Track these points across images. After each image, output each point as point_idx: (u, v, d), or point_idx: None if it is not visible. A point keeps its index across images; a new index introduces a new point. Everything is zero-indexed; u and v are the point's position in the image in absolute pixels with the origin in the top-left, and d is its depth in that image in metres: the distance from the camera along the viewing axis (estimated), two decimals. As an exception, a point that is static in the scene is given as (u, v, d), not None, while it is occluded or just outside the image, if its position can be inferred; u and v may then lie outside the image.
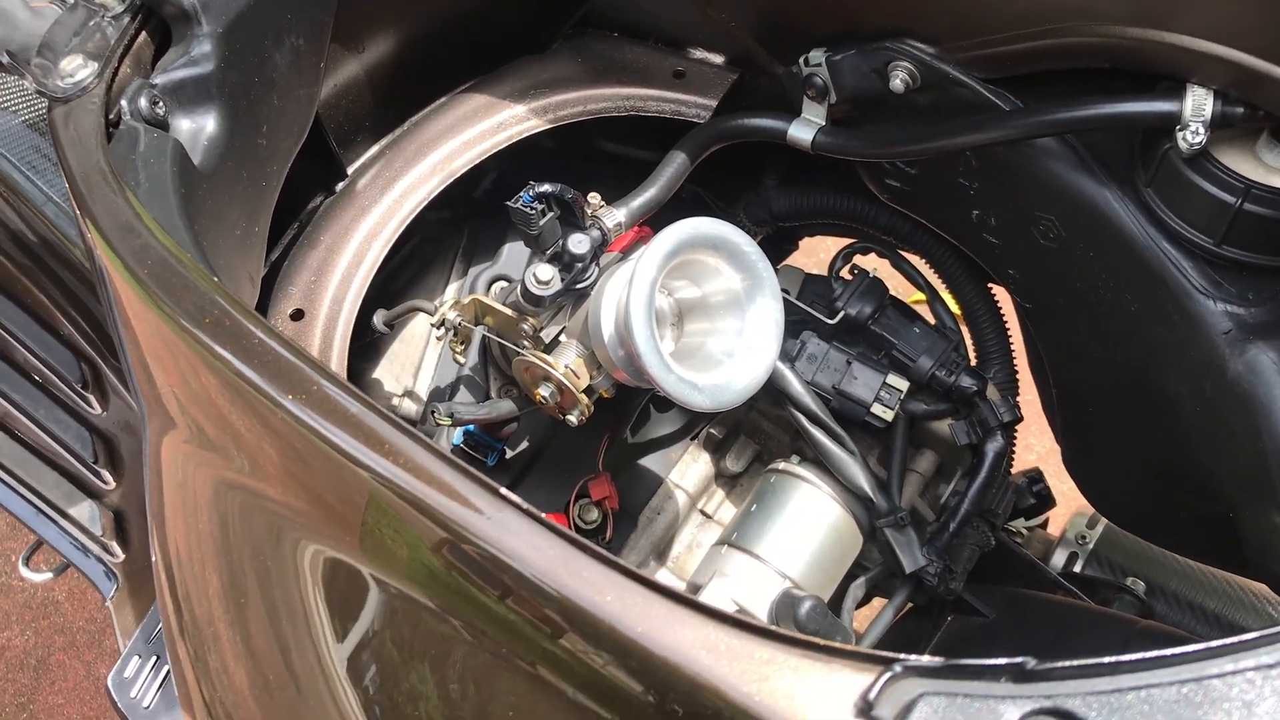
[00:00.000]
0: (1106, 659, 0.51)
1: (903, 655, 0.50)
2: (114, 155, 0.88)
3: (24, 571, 1.53)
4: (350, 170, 1.29)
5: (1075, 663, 0.51)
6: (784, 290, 1.27)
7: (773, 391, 1.18)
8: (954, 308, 1.34)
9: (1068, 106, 1.03)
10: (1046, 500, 1.53)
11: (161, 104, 0.96)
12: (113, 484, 1.52)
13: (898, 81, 1.13)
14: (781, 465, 1.21)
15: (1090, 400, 1.24)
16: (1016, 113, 1.07)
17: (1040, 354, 1.30)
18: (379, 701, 0.74)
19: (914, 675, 0.50)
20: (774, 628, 0.53)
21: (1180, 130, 0.97)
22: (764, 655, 0.52)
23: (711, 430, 1.32)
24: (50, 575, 1.54)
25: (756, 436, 1.34)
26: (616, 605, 0.56)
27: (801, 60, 1.20)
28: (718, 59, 1.36)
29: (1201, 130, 0.96)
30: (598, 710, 0.61)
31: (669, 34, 1.36)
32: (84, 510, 1.51)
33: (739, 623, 0.54)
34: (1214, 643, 0.51)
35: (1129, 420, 1.18)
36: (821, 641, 0.51)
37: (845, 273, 1.30)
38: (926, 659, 0.50)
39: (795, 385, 1.18)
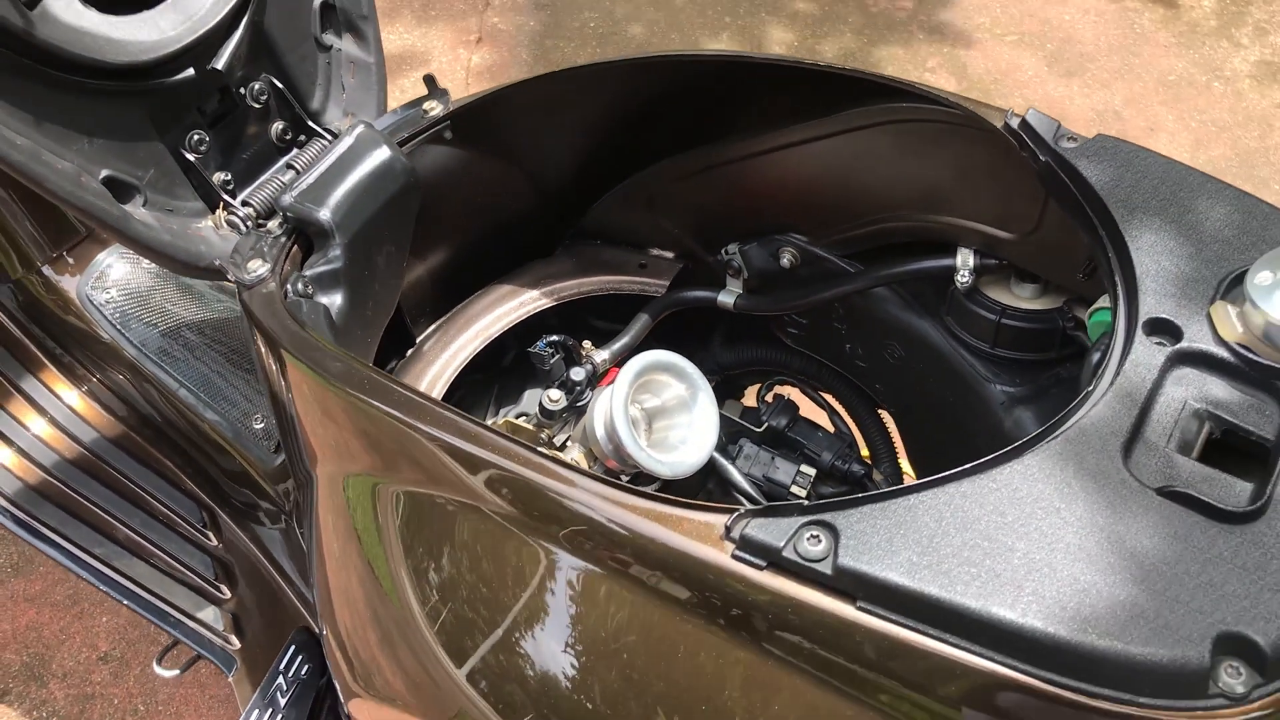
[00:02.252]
0: (858, 495, 0.83)
1: (745, 506, 0.94)
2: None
3: (157, 670, 1.84)
4: (418, 339, 1.61)
5: (839, 499, 0.83)
6: (728, 414, 1.64)
7: (721, 480, 1.52)
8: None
9: (888, 265, 1.47)
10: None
11: (310, 288, 1.30)
12: (229, 595, 1.88)
13: (785, 261, 1.58)
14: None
15: (935, 467, 1.64)
16: (859, 273, 1.52)
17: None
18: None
19: (750, 515, 0.88)
20: (690, 500, 0.91)
21: (957, 276, 1.40)
22: (681, 513, 0.91)
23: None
24: (178, 672, 1.85)
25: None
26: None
27: (723, 251, 1.62)
28: (669, 254, 1.70)
29: (968, 275, 1.38)
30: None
31: (635, 239, 1.71)
32: (209, 614, 1.85)
33: (669, 499, 0.92)
34: (937, 476, 0.83)
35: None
36: (704, 503, 0.90)
37: (769, 398, 1.68)
38: (757, 505, 0.93)
39: (735, 475, 1.51)
